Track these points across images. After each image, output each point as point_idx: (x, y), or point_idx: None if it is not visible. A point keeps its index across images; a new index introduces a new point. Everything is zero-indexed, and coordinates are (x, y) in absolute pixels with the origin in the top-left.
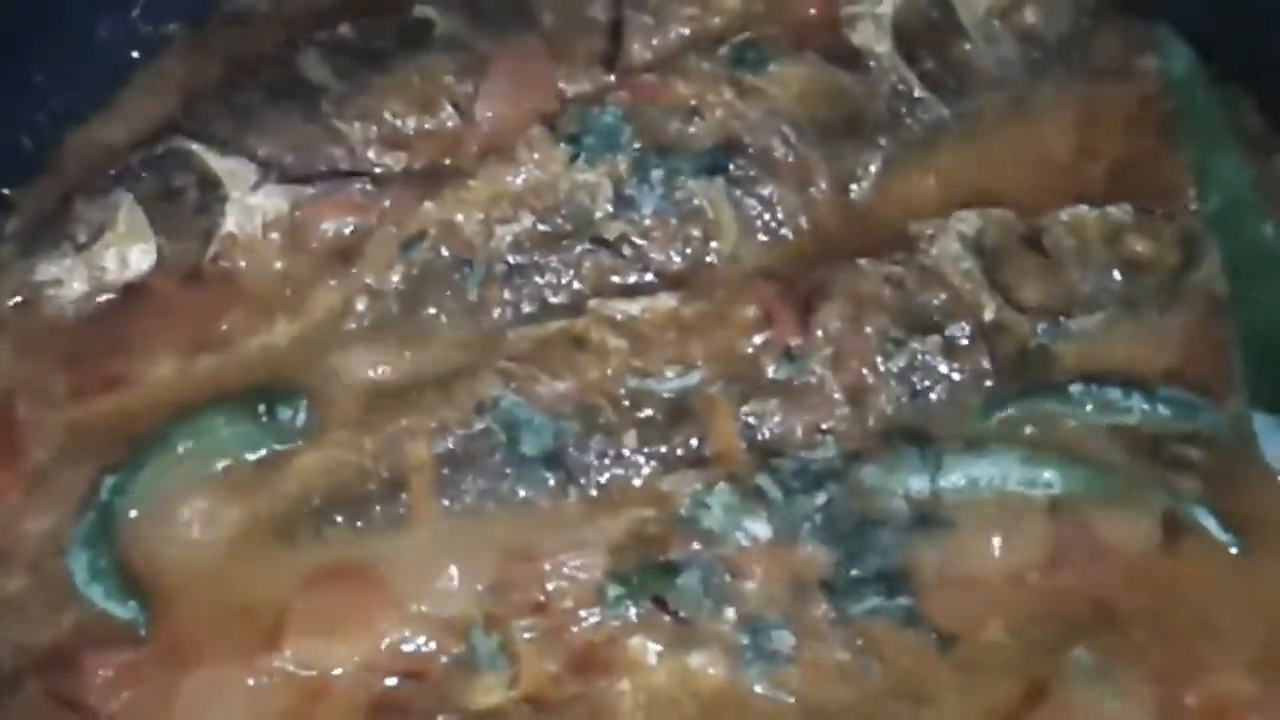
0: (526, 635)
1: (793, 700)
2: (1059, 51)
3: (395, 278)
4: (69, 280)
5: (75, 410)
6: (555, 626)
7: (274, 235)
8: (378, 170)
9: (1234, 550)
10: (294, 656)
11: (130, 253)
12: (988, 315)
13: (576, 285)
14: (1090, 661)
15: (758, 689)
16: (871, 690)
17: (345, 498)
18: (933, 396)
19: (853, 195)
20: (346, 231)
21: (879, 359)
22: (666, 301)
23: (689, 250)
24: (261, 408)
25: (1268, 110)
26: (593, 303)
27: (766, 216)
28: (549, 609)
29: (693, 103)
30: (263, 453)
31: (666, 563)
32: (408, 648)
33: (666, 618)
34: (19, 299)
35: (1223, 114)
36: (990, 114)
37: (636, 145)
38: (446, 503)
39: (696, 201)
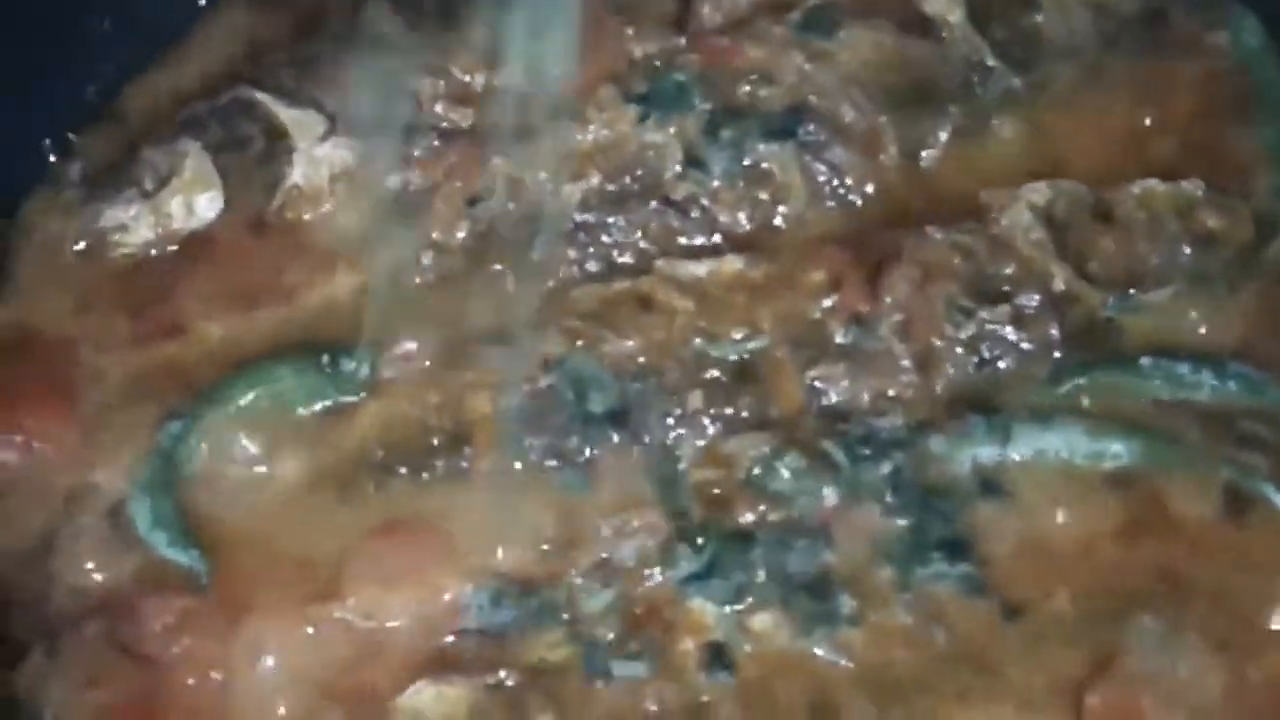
0: (587, 593)
1: (853, 665)
2: (1131, 24)
3: (461, 233)
4: (135, 226)
5: (137, 357)
6: (617, 584)
7: (340, 188)
8: (445, 125)
9: None
10: (353, 606)
11: (196, 201)
12: (1057, 286)
13: (643, 245)
14: (1156, 630)
15: (819, 651)
16: (934, 657)
17: (407, 451)
18: (1001, 365)
19: (923, 163)
20: (413, 186)
21: (947, 327)
22: (733, 264)
23: (757, 213)
24: (325, 358)
25: None
26: (659, 263)
27: (835, 182)
28: (610, 566)
29: (763, 66)
30: (326, 404)
31: (735, 530)
32: (467, 601)
33: (730, 579)
34: (84, 244)
35: None
36: (1062, 85)
37: (706, 107)
38: (510, 458)
39: (765, 165)
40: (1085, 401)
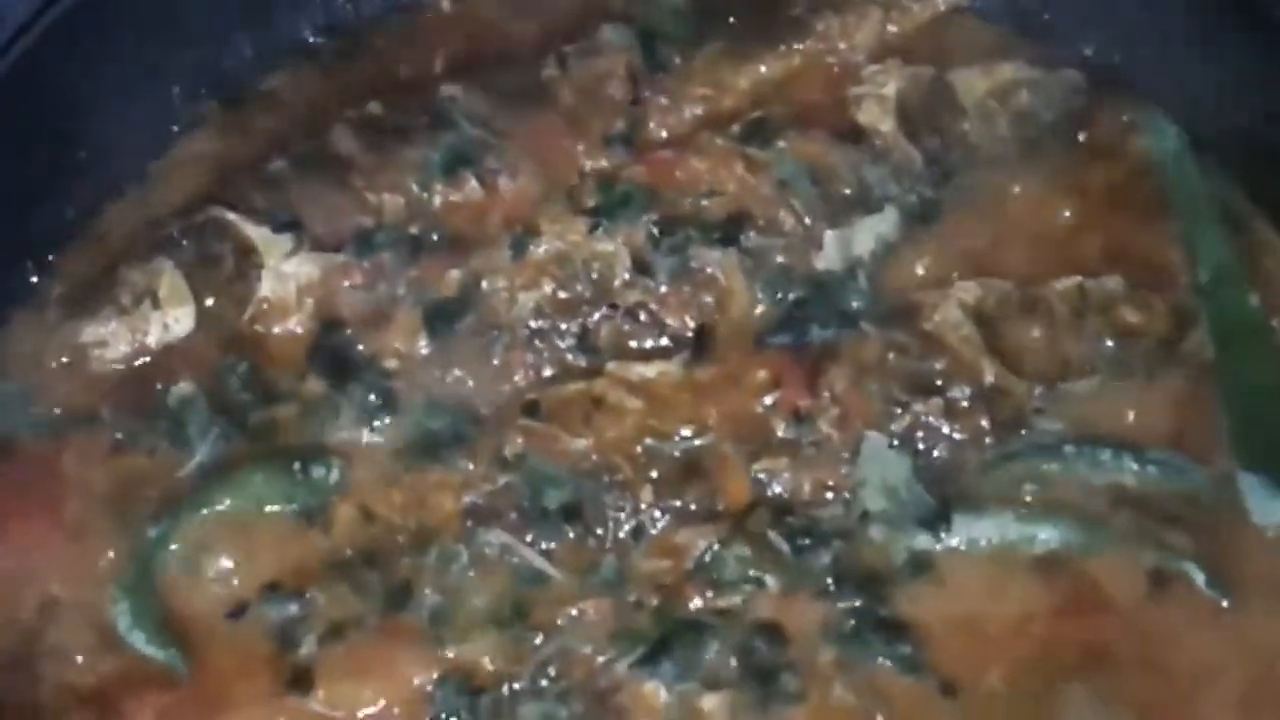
0: (546, 679)
1: None
2: (1053, 131)
3: (423, 341)
4: (113, 342)
5: (118, 465)
6: (573, 671)
7: (307, 300)
8: (405, 239)
9: (1224, 603)
10: (325, 699)
11: (171, 316)
12: (987, 379)
13: (596, 349)
14: (1085, 699)
15: None
16: None
17: (375, 549)
18: (935, 455)
19: (858, 264)
20: (377, 297)
21: (883, 420)
22: (680, 365)
23: (702, 316)
24: (297, 466)
25: (1250, 187)
26: (610, 365)
27: (776, 284)
28: (568, 653)
29: (706, 177)
30: (296, 508)
31: (684, 617)
32: (434, 691)
33: (678, 663)
34: (65, 359)
35: (1209, 190)
36: (989, 189)
37: (653, 217)
38: (472, 552)
39: (710, 270)
40: (1016, 488)
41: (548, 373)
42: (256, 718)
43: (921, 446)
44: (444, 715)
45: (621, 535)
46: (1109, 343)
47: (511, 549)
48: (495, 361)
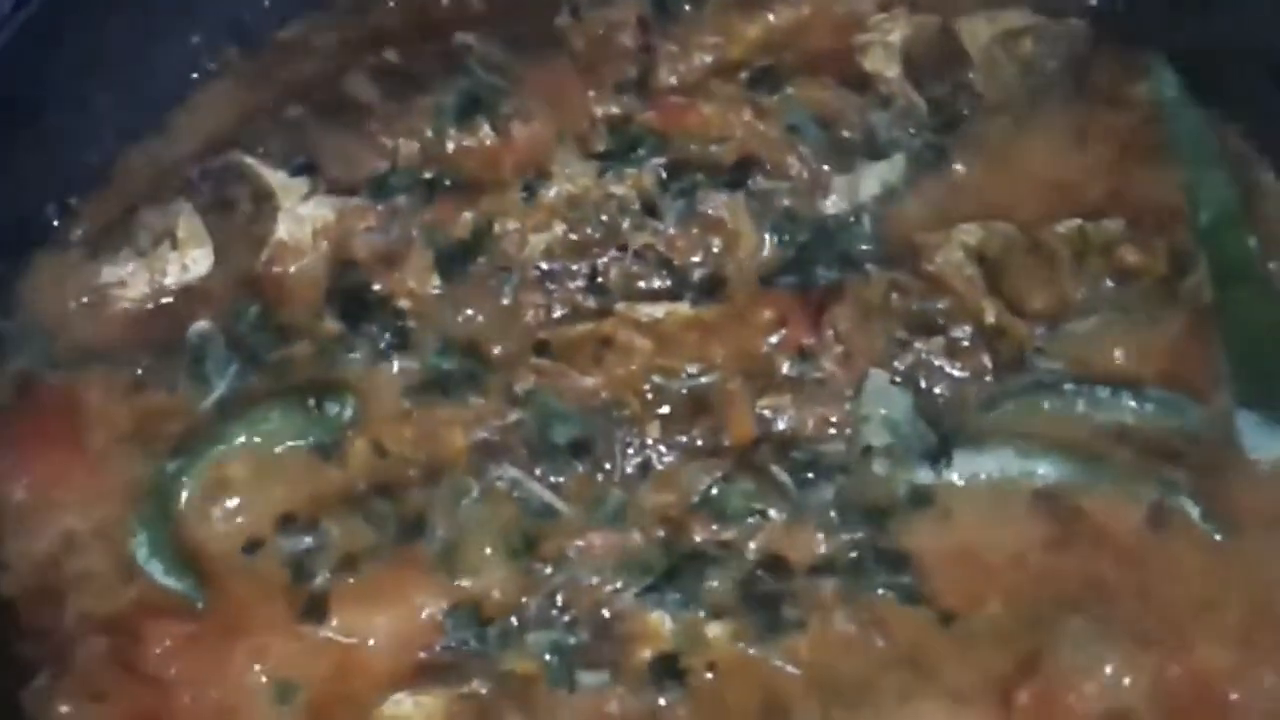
0: (554, 608)
1: (800, 671)
2: (1057, 78)
3: (436, 282)
4: (132, 282)
5: (138, 401)
6: (580, 601)
7: (323, 242)
8: (419, 183)
9: (1217, 537)
10: (338, 626)
11: (189, 258)
12: (989, 319)
13: (605, 290)
14: (1083, 630)
15: (770, 659)
16: (875, 660)
17: (388, 483)
18: (936, 393)
19: (863, 208)
20: (391, 239)
21: (886, 358)
22: (688, 305)
23: (710, 258)
24: (311, 402)
25: (1250, 133)
26: (620, 306)
27: (783, 227)
28: (576, 584)
29: (715, 122)
30: (310, 443)
31: (690, 548)
32: (444, 619)
33: (684, 592)
34: (85, 299)
35: (1210, 136)
36: (993, 135)
37: (662, 161)
38: (482, 486)
39: (717, 213)
40: (1017, 425)
41: (558, 313)
42: (272, 645)
43: (923, 384)
44: (454, 643)
45: (629, 470)
46: (1109, 283)
47: (521, 483)
48: (506, 301)
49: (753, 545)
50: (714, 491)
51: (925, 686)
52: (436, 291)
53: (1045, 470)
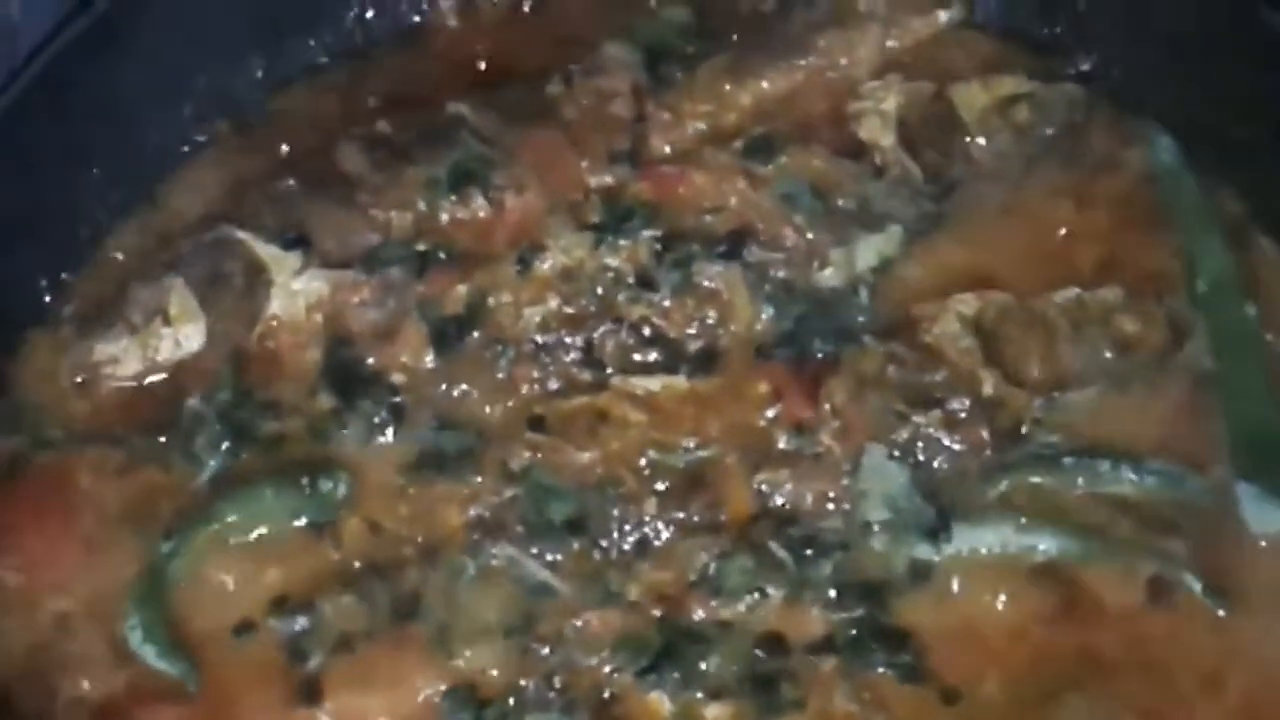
0: (553, 689)
1: None
2: (1053, 145)
3: (430, 357)
4: (125, 360)
5: (130, 480)
6: (578, 681)
7: (316, 317)
8: (412, 255)
9: (1220, 612)
10: (334, 709)
11: (182, 334)
12: (986, 390)
13: (600, 363)
14: (1085, 707)
15: None
16: None
17: (382, 562)
18: (935, 466)
19: (858, 279)
20: (385, 313)
21: (883, 431)
22: (684, 378)
23: (705, 330)
24: (305, 480)
25: (1246, 199)
26: (615, 379)
27: (779, 299)
28: (573, 665)
29: (709, 192)
30: (304, 521)
31: (688, 627)
32: (441, 699)
33: (682, 672)
34: (78, 378)
35: (1206, 202)
36: (989, 203)
37: (656, 232)
38: (478, 565)
39: (713, 285)
40: (1015, 498)
41: (553, 386)
42: None
43: (922, 457)
44: None
45: (626, 547)
46: (1107, 353)
47: (517, 561)
48: (501, 375)
49: (751, 624)
50: (712, 569)
51: None
52: (431, 366)
53: (1045, 544)
